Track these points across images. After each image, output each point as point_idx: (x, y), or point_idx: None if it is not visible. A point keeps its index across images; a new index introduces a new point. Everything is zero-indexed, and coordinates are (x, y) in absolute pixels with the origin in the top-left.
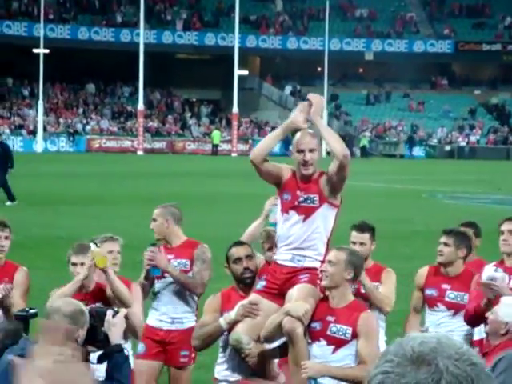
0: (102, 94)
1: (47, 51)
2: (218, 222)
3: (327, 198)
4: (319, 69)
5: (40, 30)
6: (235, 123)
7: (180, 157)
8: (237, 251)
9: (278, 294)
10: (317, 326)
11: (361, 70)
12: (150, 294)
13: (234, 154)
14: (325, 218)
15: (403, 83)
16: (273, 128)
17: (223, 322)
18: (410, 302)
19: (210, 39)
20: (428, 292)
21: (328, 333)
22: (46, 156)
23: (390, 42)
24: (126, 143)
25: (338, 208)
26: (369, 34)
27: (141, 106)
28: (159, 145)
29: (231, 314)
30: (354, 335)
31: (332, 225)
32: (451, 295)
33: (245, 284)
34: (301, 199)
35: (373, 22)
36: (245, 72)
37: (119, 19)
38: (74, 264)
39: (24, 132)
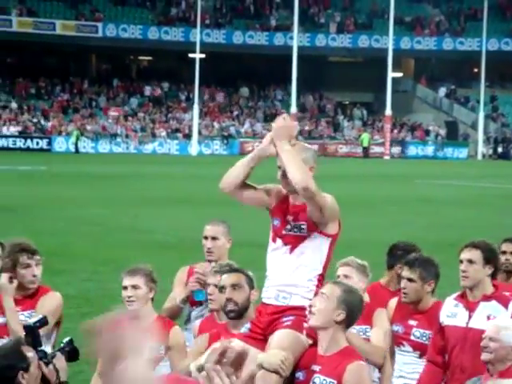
0: (255, 97)
1: (203, 56)
2: (376, 225)
3: (317, 227)
4: (475, 70)
5: (196, 36)
6: (388, 126)
7: (332, 159)
8: (223, 278)
9: (263, 340)
10: (300, 376)
11: None
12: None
13: (386, 157)
14: (315, 249)
15: None
16: (426, 131)
17: (193, 369)
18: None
19: (363, 41)
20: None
21: None
22: (200, 159)
23: None
24: None
25: (334, 238)
26: None
27: (293, 109)
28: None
29: (201, 360)
30: None
31: (325, 258)
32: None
33: (229, 318)
34: (288, 227)
35: None
36: (399, 74)
37: (273, 23)
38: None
39: (180, 135)
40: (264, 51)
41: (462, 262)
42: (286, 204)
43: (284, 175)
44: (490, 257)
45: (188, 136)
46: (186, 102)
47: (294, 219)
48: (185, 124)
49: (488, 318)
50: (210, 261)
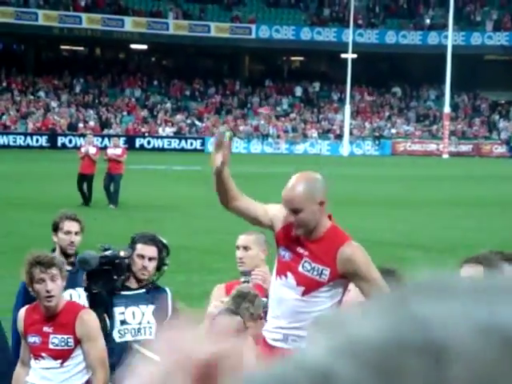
0: (407, 97)
1: (355, 56)
2: None
3: (344, 277)
4: None
5: (349, 36)
6: None
7: (486, 160)
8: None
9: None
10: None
11: None
12: None
13: None
14: (334, 294)
15: None
16: None
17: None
18: None
19: None
20: None
21: None
22: (351, 159)
23: None
24: (431, 146)
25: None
26: None
27: (447, 108)
28: (465, 148)
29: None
30: None
31: (341, 297)
32: None
33: None
34: (306, 266)
35: None
36: None
37: (427, 22)
38: None
39: (331, 136)
40: (417, 51)
41: None
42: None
43: (302, 225)
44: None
45: (339, 136)
46: (338, 102)
47: (313, 259)
48: (336, 124)
49: None
50: (242, 272)
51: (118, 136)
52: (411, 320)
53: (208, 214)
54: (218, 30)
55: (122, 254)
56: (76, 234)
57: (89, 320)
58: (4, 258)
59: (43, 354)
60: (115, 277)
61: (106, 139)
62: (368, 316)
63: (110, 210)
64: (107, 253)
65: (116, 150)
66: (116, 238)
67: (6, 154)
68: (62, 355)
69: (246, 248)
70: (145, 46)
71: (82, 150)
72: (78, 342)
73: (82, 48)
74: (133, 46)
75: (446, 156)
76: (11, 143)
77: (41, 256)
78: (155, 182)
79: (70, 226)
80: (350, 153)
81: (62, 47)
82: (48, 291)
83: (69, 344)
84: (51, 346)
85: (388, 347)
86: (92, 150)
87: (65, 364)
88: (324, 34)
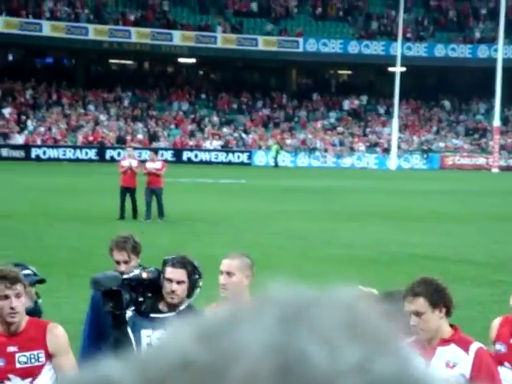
0: (456, 110)
1: (403, 69)
2: None
3: None
4: None
5: (397, 49)
6: None
7: None
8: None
9: None
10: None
11: None
12: None
13: None
14: None
15: None
16: None
17: None
18: None
19: None
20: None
21: None
22: (399, 173)
23: None
24: (481, 160)
25: None
26: None
27: (497, 122)
28: None
29: None
30: None
31: None
32: None
33: None
34: None
35: None
36: None
37: (477, 35)
38: None
39: (378, 149)
40: (467, 64)
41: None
42: None
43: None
44: (437, 299)
45: (387, 150)
46: (385, 115)
47: None
48: (384, 138)
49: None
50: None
51: (166, 149)
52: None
53: (254, 227)
54: (265, 43)
55: (144, 275)
56: (125, 262)
57: (60, 333)
58: (53, 271)
59: (10, 376)
60: (127, 297)
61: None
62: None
63: (156, 224)
64: (131, 274)
65: (155, 163)
66: (164, 251)
67: (56, 167)
68: (32, 373)
69: (229, 274)
70: (193, 60)
71: (124, 163)
72: (48, 356)
73: (131, 62)
74: (181, 60)
75: (495, 170)
76: (61, 156)
77: (5, 271)
78: (202, 196)
79: (118, 255)
80: (398, 167)
81: (112, 61)
82: (12, 308)
83: (40, 360)
84: (18, 366)
85: None
86: (134, 163)
87: (34, 383)
88: (372, 48)
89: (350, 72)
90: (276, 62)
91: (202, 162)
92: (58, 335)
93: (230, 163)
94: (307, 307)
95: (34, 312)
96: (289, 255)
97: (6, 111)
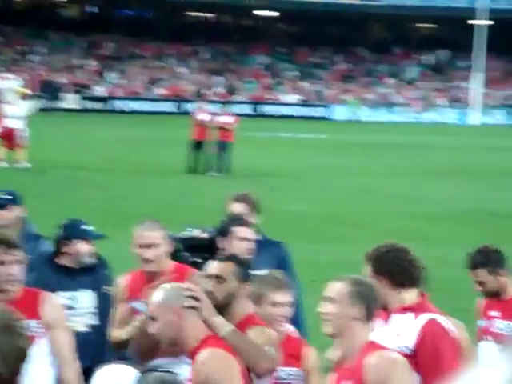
0: None
1: (489, 23)
2: None
3: None
4: None
5: (483, 2)
6: None
7: None
8: (212, 266)
9: None
10: None
11: None
12: None
13: None
14: None
15: None
16: None
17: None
18: None
19: None
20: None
21: None
22: (482, 129)
23: None
24: None
25: None
26: None
27: None
28: None
29: None
30: None
31: None
32: None
33: None
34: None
35: None
36: None
37: None
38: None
39: (460, 105)
40: None
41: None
42: None
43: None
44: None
45: (469, 105)
46: (468, 70)
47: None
48: (466, 93)
49: None
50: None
51: (244, 103)
52: None
53: (331, 182)
54: None
55: (203, 235)
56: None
57: (57, 303)
58: (119, 224)
59: None
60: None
61: (233, 106)
62: None
63: (231, 177)
64: (187, 234)
65: (227, 118)
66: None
67: (135, 119)
68: None
69: (151, 245)
70: (273, 13)
71: (197, 116)
72: (43, 328)
73: (210, 15)
74: (260, 13)
75: None
76: (139, 109)
77: (2, 235)
78: (280, 150)
79: (238, 207)
80: (480, 122)
81: (191, 14)
82: (10, 274)
83: (38, 330)
84: None
85: None
86: (206, 117)
87: None
88: (456, 0)
89: (431, 25)
90: (356, 15)
91: (280, 116)
92: (55, 305)
93: (308, 117)
94: None
95: (98, 266)
96: (368, 211)
97: (89, 63)
